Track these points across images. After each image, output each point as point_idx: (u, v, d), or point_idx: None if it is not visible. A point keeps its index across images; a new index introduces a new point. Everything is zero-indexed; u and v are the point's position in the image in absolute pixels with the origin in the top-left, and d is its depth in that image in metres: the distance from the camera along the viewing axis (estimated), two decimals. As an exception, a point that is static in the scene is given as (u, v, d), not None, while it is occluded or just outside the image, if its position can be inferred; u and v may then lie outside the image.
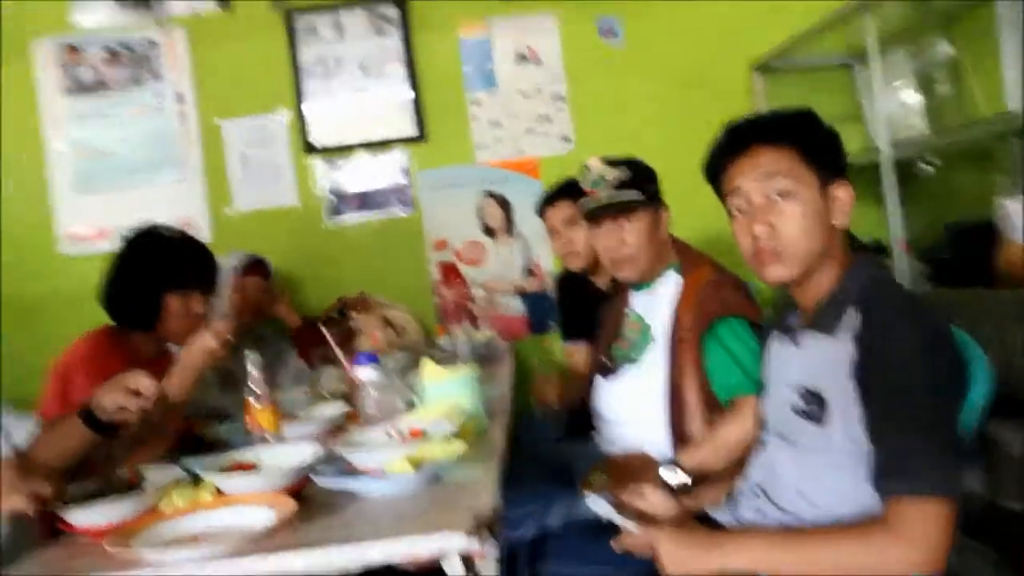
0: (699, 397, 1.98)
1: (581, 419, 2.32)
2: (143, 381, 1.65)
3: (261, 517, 1.34)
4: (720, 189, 1.54)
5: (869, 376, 1.30)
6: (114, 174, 3.52)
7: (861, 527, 1.26)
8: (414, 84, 3.48)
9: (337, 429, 1.92)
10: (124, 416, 1.66)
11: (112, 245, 3.35)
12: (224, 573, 1.19)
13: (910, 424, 1.25)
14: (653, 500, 1.66)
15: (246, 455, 1.63)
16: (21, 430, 1.77)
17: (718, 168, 1.53)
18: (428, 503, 1.35)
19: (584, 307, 2.66)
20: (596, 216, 2.14)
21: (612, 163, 2.14)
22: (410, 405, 1.82)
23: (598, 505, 1.56)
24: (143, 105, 3.51)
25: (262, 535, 1.26)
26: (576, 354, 2.87)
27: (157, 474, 1.59)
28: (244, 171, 3.52)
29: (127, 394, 1.64)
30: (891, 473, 1.24)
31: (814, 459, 1.42)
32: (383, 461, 1.44)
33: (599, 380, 2.24)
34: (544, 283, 3.50)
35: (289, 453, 1.61)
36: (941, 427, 1.26)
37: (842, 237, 1.47)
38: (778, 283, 1.47)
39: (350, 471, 1.49)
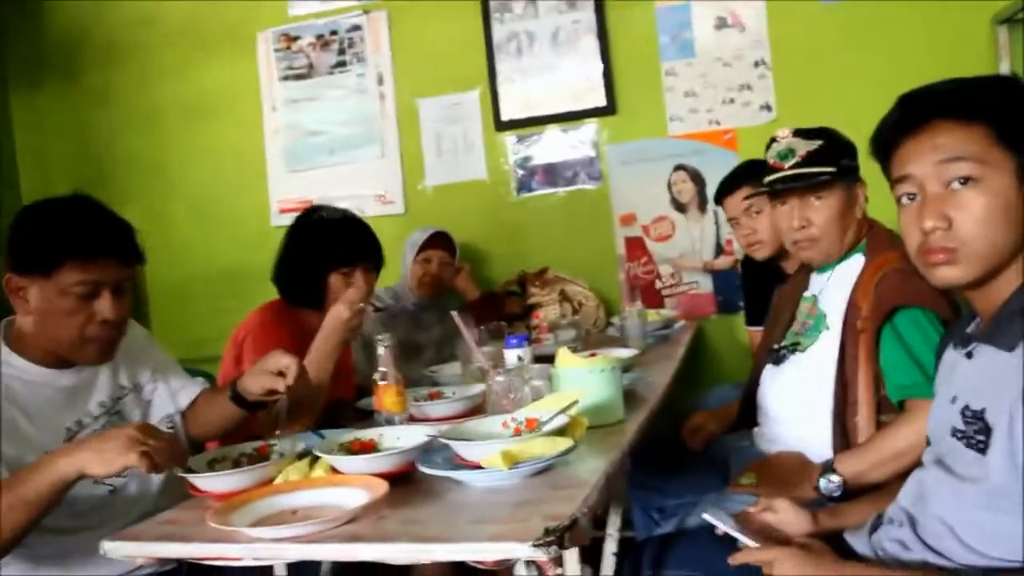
0: (870, 395, 1.76)
1: (751, 409, 2.15)
2: (284, 361, 1.70)
3: (356, 498, 1.34)
4: (890, 173, 1.29)
5: None
6: (320, 152, 3.73)
7: None
8: (606, 57, 3.37)
9: (475, 411, 1.89)
10: (269, 396, 1.73)
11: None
12: (292, 556, 1.20)
13: None
14: (784, 515, 1.49)
15: (367, 433, 1.64)
16: (188, 392, 1.91)
17: (888, 147, 1.27)
18: (514, 504, 1.28)
19: (770, 292, 2.46)
20: (781, 192, 1.95)
21: (803, 133, 1.94)
22: (537, 393, 1.75)
23: (718, 517, 1.44)
24: (347, 87, 3.68)
25: (339, 521, 1.25)
26: (760, 339, 2.68)
27: (287, 445, 1.64)
28: (437, 147, 3.59)
29: (271, 376, 1.71)
30: None
31: (972, 492, 1.18)
32: (481, 454, 1.39)
33: (767, 368, 2.07)
34: (736, 261, 3.28)
35: (408, 435, 1.61)
36: None
37: None
38: (949, 286, 1.23)
39: (457, 459, 1.46)
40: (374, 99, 3.65)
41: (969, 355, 1.25)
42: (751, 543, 1.36)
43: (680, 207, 3.36)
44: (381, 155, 3.65)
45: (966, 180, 1.16)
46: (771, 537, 1.43)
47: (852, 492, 1.65)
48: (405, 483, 1.44)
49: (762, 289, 2.60)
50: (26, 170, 4.12)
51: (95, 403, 1.74)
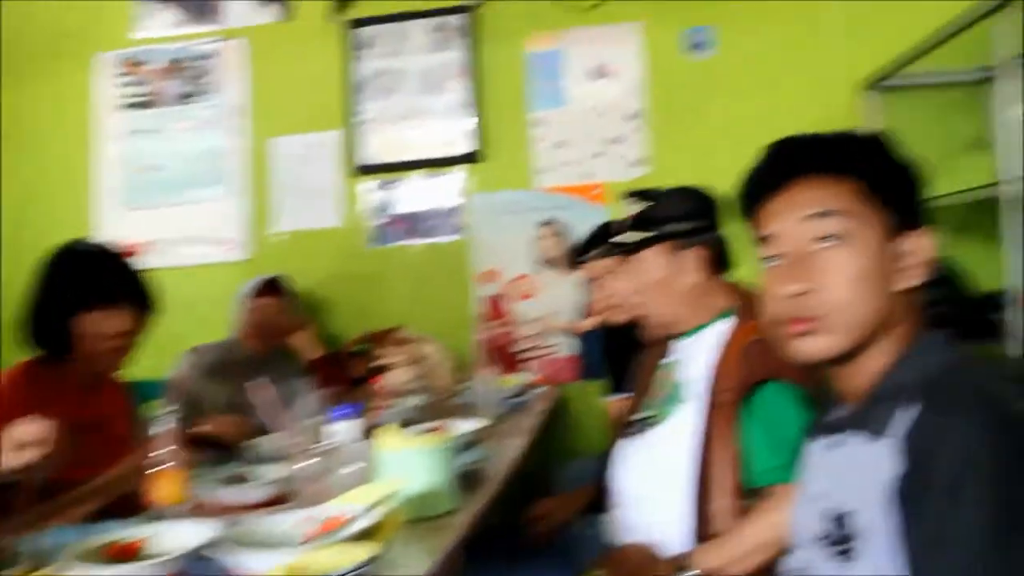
0: (732, 477, 1.57)
1: (606, 491, 1.94)
2: (30, 430, 1.39)
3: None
4: (753, 233, 1.14)
5: (912, 501, 0.91)
6: (161, 189, 3.40)
7: None
8: (475, 101, 3.19)
9: (281, 499, 1.60)
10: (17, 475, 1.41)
11: (156, 260, 3.28)
12: None
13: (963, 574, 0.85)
14: None
15: (134, 533, 1.33)
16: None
17: (753, 204, 1.14)
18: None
19: (632, 360, 2.28)
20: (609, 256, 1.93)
21: (640, 195, 1.80)
22: (353, 480, 1.48)
23: None
24: (196, 120, 3.38)
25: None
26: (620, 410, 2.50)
27: (33, 544, 1.31)
28: (290, 191, 3.31)
29: (14, 449, 1.40)
30: None
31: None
32: (260, 567, 1.11)
33: (621, 445, 1.87)
34: (602, 324, 3.12)
35: (184, 536, 1.30)
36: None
37: (910, 307, 1.05)
38: (815, 361, 1.06)
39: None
40: (225, 134, 3.35)
41: (832, 446, 1.09)
42: None
43: (545, 264, 3.18)
44: (228, 195, 3.34)
45: (834, 238, 1.04)
46: None
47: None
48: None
49: (624, 356, 2.42)
50: None
51: None
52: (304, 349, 2.83)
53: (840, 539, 1.01)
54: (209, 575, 1.17)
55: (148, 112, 3.41)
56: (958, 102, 2.96)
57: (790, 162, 1.10)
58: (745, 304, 1.71)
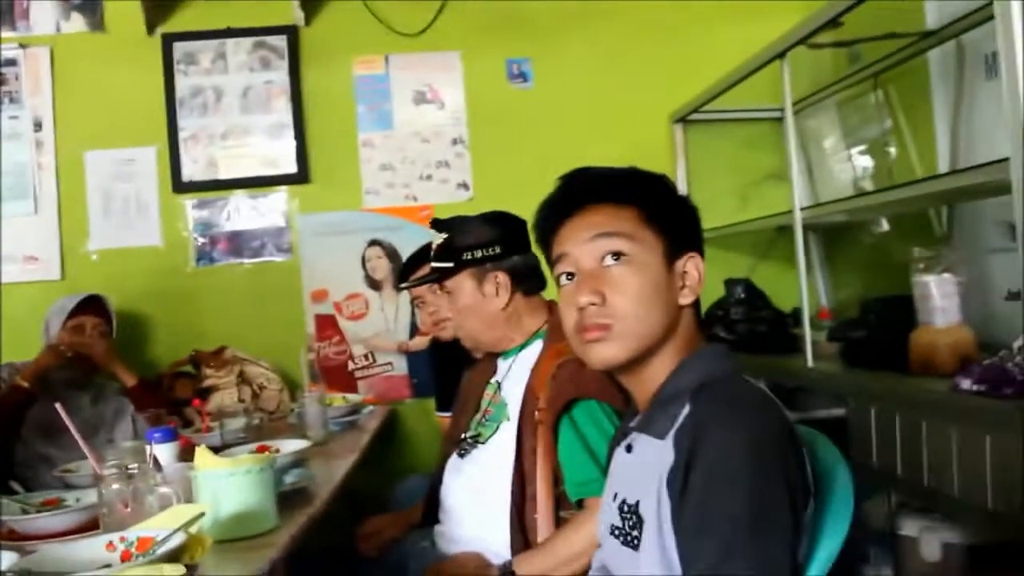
0: (548, 490, 1.68)
1: (436, 505, 1.99)
2: None
3: None
4: (550, 257, 1.26)
5: (680, 488, 1.02)
6: (-44, 202, 3.16)
7: None
8: (300, 122, 3.18)
9: (93, 524, 1.56)
10: None
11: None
12: None
13: (721, 564, 0.96)
14: None
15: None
16: None
17: (548, 230, 1.25)
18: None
19: (460, 377, 2.35)
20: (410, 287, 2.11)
21: (440, 225, 1.94)
22: (166, 502, 1.46)
23: None
24: (-3, 130, 3.18)
25: None
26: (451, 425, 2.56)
27: None
28: (105, 207, 3.18)
29: None
30: None
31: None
32: (63, 591, 1.10)
33: (451, 461, 1.94)
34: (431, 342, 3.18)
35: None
36: (760, 562, 0.96)
37: (689, 322, 1.19)
38: (607, 367, 1.18)
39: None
40: (29, 146, 3.17)
41: (629, 448, 1.20)
42: None
43: (374, 284, 3.21)
44: (35, 211, 3.16)
45: (618, 256, 1.16)
46: None
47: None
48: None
49: (452, 373, 2.48)
50: None
51: None
52: (121, 377, 2.70)
53: (630, 528, 1.11)
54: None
55: (-57, 120, 3.19)
56: (760, 136, 3.22)
57: (580, 191, 1.22)
58: (555, 324, 1.82)
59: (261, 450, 2.08)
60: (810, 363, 2.17)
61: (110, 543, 1.28)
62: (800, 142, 3.10)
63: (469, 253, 1.84)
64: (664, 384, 1.15)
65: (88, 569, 1.22)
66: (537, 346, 1.83)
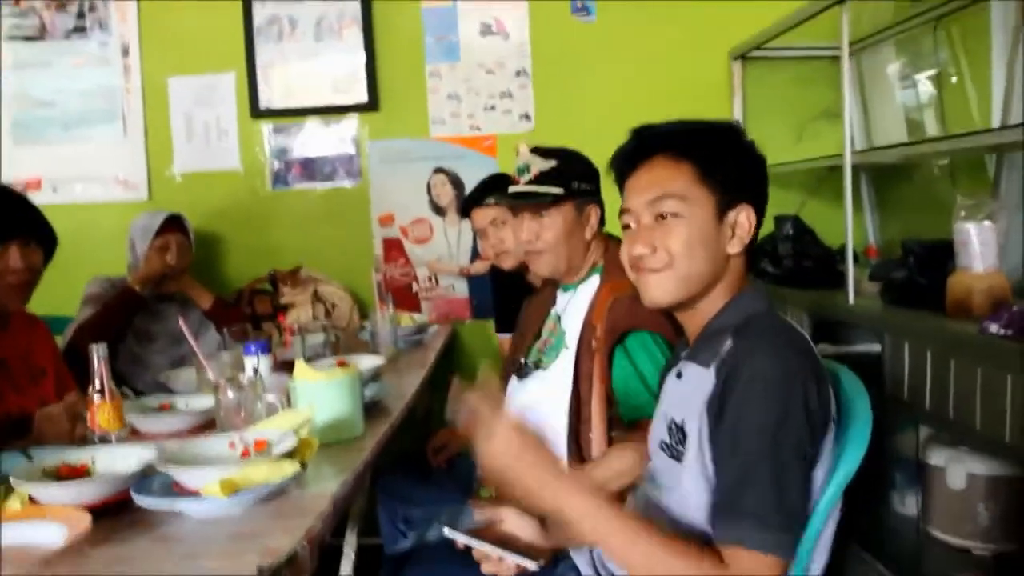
0: (602, 413, 1.85)
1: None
2: None
3: (54, 536, 1.21)
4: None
5: (718, 410, 1.20)
6: (53, 126, 3.38)
7: (699, 551, 1.15)
8: (370, 51, 3.30)
9: (206, 426, 1.79)
10: None
11: (46, 197, 3.31)
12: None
13: (748, 473, 1.14)
14: (511, 523, 1.55)
15: (80, 455, 1.50)
16: None
17: (619, 181, 1.44)
18: (231, 537, 1.22)
19: (519, 301, 2.53)
20: (510, 206, 2.05)
21: (542, 152, 1.99)
22: (272, 409, 1.67)
23: (456, 535, 1.48)
24: (86, 55, 3.36)
25: (28, 566, 1.13)
26: (508, 346, 2.74)
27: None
28: (188, 131, 3.37)
29: None
30: (723, 520, 1.15)
31: (669, 500, 1.30)
32: (200, 482, 1.31)
33: (512, 382, 2.12)
34: (491, 266, 3.34)
35: (125, 457, 1.48)
36: (782, 481, 1.14)
37: (738, 265, 1.35)
38: (659, 305, 1.36)
39: (175, 487, 1.36)
40: (117, 72, 3.36)
41: (679, 375, 1.37)
42: (490, 550, 1.44)
43: (439, 210, 3.37)
44: (124, 134, 3.37)
45: (670, 215, 1.31)
46: (509, 544, 1.49)
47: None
48: (117, 514, 1.32)
49: (511, 297, 2.66)
50: None
51: None
52: (197, 298, 2.91)
53: (676, 444, 1.30)
54: (153, 490, 1.36)
55: (37, 45, 3.37)
56: (816, 73, 3.23)
57: (643, 147, 1.37)
58: (611, 260, 1.98)
59: (340, 364, 2.30)
60: (851, 300, 2.28)
61: (231, 442, 1.50)
62: (857, 81, 3.15)
63: (578, 183, 1.95)
64: (711, 320, 1.32)
65: (217, 463, 1.44)
66: (594, 281, 1.98)
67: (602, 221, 2.01)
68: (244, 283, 3.24)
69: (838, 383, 1.33)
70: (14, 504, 1.34)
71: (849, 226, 2.33)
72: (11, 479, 1.37)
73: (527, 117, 3.31)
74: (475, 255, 3.35)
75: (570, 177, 1.95)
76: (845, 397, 1.32)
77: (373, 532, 2.33)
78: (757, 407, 1.15)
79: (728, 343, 1.24)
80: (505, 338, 2.80)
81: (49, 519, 1.26)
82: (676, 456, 1.28)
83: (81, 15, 3.34)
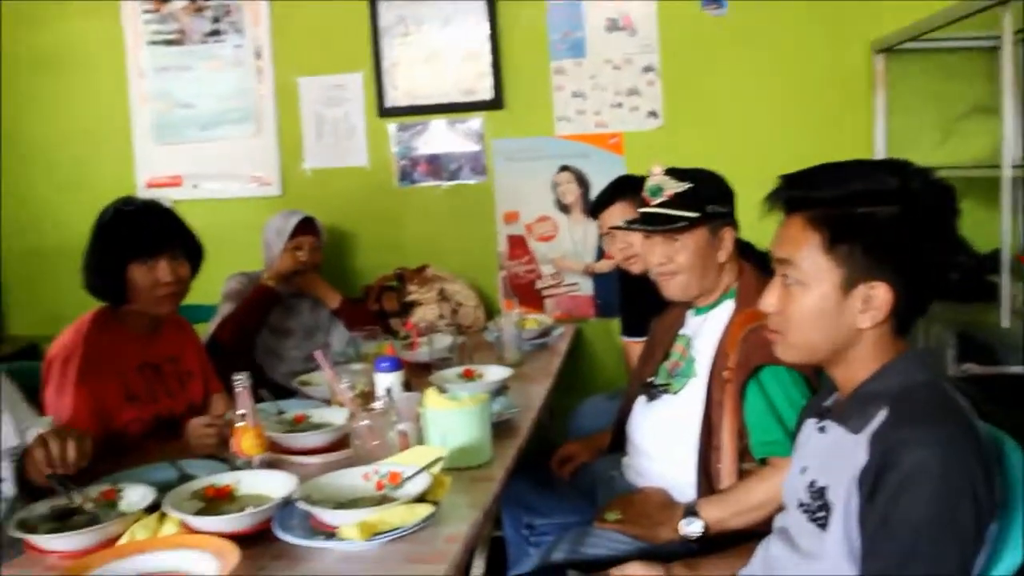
0: (733, 443, 1.80)
1: (622, 435, 2.17)
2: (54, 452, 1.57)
3: (206, 567, 1.28)
4: None
5: (871, 489, 1.12)
6: (191, 126, 3.53)
7: None
8: (495, 49, 3.29)
9: (339, 444, 1.84)
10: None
11: (186, 193, 3.46)
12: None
13: (904, 568, 1.08)
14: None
15: (223, 479, 1.58)
16: (33, 433, 1.76)
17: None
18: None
19: (646, 306, 2.48)
20: (641, 231, 1.99)
21: (676, 174, 1.94)
22: (404, 435, 1.70)
23: None
24: (222, 58, 3.48)
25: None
26: (635, 351, 2.71)
27: (135, 493, 1.56)
28: (317, 130, 3.45)
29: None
30: None
31: (812, 570, 1.25)
32: (339, 522, 1.35)
33: (639, 401, 2.09)
34: (617, 265, 3.30)
35: (266, 482, 1.55)
36: (935, 573, 1.07)
37: (881, 335, 1.23)
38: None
39: (313, 522, 1.41)
40: (251, 74, 3.47)
41: (822, 429, 1.30)
42: None
43: (564, 208, 3.34)
44: (257, 133, 3.48)
45: (792, 279, 1.25)
46: None
47: (711, 537, 1.70)
48: (260, 541, 1.39)
49: (639, 301, 2.61)
50: None
51: None
52: (325, 298, 2.98)
53: (817, 508, 1.23)
54: (293, 525, 1.41)
55: (176, 50, 3.50)
56: (967, 66, 3.01)
57: (786, 201, 1.28)
58: (745, 287, 1.91)
59: (467, 374, 2.33)
60: (1006, 323, 2.14)
61: (366, 474, 1.54)
62: (1018, 75, 2.92)
63: (712, 206, 1.90)
64: (864, 383, 1.23)
65: (353, 494, 1.48)
66: (727, 306, 1.92)
67: (737, 243, 1.95)
68: (371, 277, 3.31)
69: (1002, 458, 1.23)
70: (169, 530, 1.42)
71: (1007, 240, 2.18)
72: (164, 507, 1.45)
73: (654, 114, 3.23)
74: (600, 253, 3.32)
75: (705, 200, 1.89)
76: (1011, 475, 1.22)
77: (495, 525, 2.39)
78: (917, 501, 1.07)
79: (883, 414, 1.16)
80: (631, 342, 2.77)
81: (201, 549, 1.33)
82: (819, 523, 1.22)
83: (217, 19, 3.45)
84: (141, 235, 2.10)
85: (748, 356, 1.75)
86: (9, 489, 1.65)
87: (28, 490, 1.68)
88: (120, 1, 3.51)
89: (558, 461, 2.32)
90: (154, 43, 3.50)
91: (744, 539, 1.62)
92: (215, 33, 3.47)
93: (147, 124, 3.54)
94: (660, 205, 1.90)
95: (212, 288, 2.85)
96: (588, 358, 3.34)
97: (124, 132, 3.56)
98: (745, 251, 2.00)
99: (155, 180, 3.54)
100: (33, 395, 1.96)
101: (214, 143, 3.51)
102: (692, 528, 1.72)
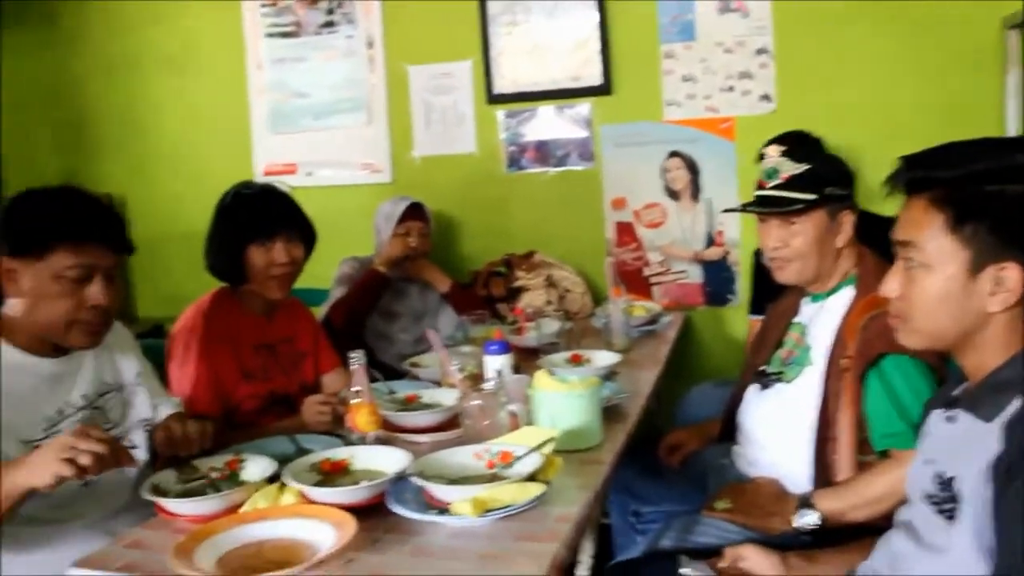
0: (851, 434, 1.74)
1: (733, 424, 2.13)
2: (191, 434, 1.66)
3: (324, 536, 1.32)
4: None
5: (1005, 478, 1.06)
6: (305, 115, 3.63)
7: None
8: (604, 34, 3.26)
9: (450, 423, 1.86)
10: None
11: (300, 181, 3.57)
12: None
13: None
14: (754, 561, 1.49)
15: (339, 453, 1.62)
16: (164, 409, 1.85)
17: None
18: (481, 556, 1.26)
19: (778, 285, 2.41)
20: (756, 214, 1.94)
21: (792, 154, 1.88)
22: (514, 415, 1.71)
23: (696, 569, 1.49)
24: (335, 49, 3.56)
25: (306, 567, 1.23)
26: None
27: (256, 465, 1.62)
28: (427, 117, 3.49)
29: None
30: None
31: (938, 564, 1.19)
32: (453, 497, 1.37)
33: (751, 389, 2.05)
34: (726, 252, 3.24)
35: (380, 458, 1.58)
36: None
37: (1013, 319, 1.17)
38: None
39: (427, 496, 1.44)
40: (363, 63, 3.54)
41: (950, 419, 1.25)
42: None
43: (673, 194, 3.29)
44: (369, 122, 3.56)
45: (915, 263, 1.20)
46: None
47: (826, 530, 1.65)
48: (374, 514, 1.42)
49: (771, 279, 2.55)
50: (5, 115, 4.02)
51: (78, 394, 1.73)
52: (435, 281, 3.03)
53: (945, 500, 1.18)
54: (406, 499, 1.43)
55: (291, 42, 3.61)
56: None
57: (902, 180, 1.23)
58: (865, 272, 1.84)
59: (575, 359, 2.32)
60: None
61: (477, 453, 1.55)
62: None
63: (832, 188, 1.83)
64: (996, 370, 1.17)
65: (464, 472, 1.50)
66: (846, 293, 1.85)
67: (857, 227, 1.87)
68: (478, 263, 3.34)
69: None
70: (287, 499, 1.47)
71: None
72: (283, 477, 1.50)
73: (767, 98, 3.14)
74: (709, 241, 3.26)
75: (823, 182, 1.83)
76: None
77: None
78: None
79: (1018, 402, 1.10)
80: (756, 319, 2.72)
81: (320, 519, 1.37)
82: (947, 515, 1.17)
83: (331, 11, 3.54)
84: (259, 217, 2.18)
85: (869, 344, 1.68)
86: (142, 455, 1.74)
87: (157, 459, 1.78)
88: (240, -3, 3.64)
89: (666, 448, 2.29)
90: (271, 36, 3.62)
91: (859, 533, 1.56)
92: (329, 24, 3.55)
93: (264, 114, 3.67)
94: (776, 187, 1.85)
95: (325, 272, 2.94)
96: (696, 346, 3.29)
97: (243, 123, 3.70)
98: (869, 232, 1.92)
99: (271, 168, 3.65)
100: (159, 371, 2.06)
101: (327, 131, 3.60)
102: (807, 520, 1.66)
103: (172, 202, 3.78)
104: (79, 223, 1.63)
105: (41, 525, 1.61)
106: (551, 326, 2.67)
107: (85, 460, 1.35)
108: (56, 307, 1.61)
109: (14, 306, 1.63)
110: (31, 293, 1.61)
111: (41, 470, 1.36)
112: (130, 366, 1.86)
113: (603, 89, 3.29)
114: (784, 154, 1.85)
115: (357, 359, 1.71)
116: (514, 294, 3.12)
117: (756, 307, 2.86)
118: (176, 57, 3.75)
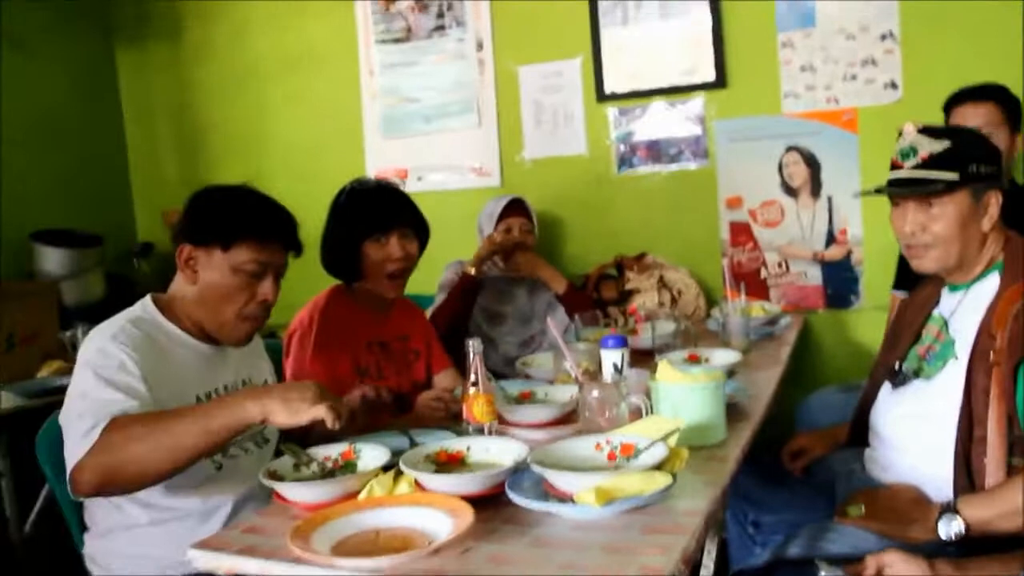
0: (1001, 435, 1.59)
1: (863, 427, 2.00)
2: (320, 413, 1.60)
3: (441, 524, 1.28)
4: None
5: None
6: (416, 120, 3.66)
7: None
8: (717, 25, 3.16)
9: (566, 419, 1.81)
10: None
11: (411, 186, 3.59)
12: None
13: None
14: (898, 568, 1.38)
15: (455, 444, 1.58)
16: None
17: None
18: (606, 549, 1.20)
19: None
20: (892, 195, 1.79)
21: (931, 132, 1.73)
22: (634, 409, 1.64)
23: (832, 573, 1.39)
24: (445, 52, 3.58)
25: (424, 554, 1.19)
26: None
27: (372, 453, 1.60)
28: (536, 118, 3.47)
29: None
30: None
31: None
32: (575, 487, 1.31)
33: (885, 388, 1.91)
34: (849, 251, 3.08)
35: (497, 448, 1.54)
36: None
37: None
38: None
39: (547, 486, 1.38)
40: (473, 65, 3.55)
41: None
42: None
43: (791, 191, 3.15)
44: (478, 124, 3.56)
45: None
46: None
47: (973, 540, 1.51)
48: (491, 505, 1.37)
49: None
50: (131, 126, 4.21)
51: (222, 383, 1.79)
52: (551, 281, 2.97)
53: None
54: (525, 489, 1.38)
55: (403, 46, 3.65)
56: None
57: None
58: (1012, 257, 1.69)
59: (692, 358, 2.24)
60: None
61: (598, 444, 1.49)
62: None
63: (976, 166, 1.69)
64: None
65: (584, 464, 1.44)
66: (992, 280, 1.71)
67: (1003, 210, 1.73)
68: (589, 266, 3.28)
69: None
70: (403, 488, 1.44)
71: None
72: (400, 465, 1.47)
73: (893, 86, 2.98)
74: (830, 239, 3.11)
75: (966, 160, 1.68)
76: None
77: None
78: None
79: None
80: (898, 295, 2.60)
81: (436, 508, 1.33)
82: None
83: (440, 15, 3.56)
84: (374, 212, 2.19)
85: (1022, 334, 1.54)
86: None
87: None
88: (354, 2, 3.69)
89: (789, 454, 2.16)
90: (383, 41, 3.67)
91: (1010, 544, 1.43)
92: (439, 28, 3.57)
93: (376, 119, 3.72)
94: (914, 167, 1.72)
95: (434, 278, 2.93)
96: (815, 350, 3.14)
97: (356, 127, 3.75)
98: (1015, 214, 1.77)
99: (382, 173, 3.69)
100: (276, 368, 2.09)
101: (437, 135, 3.62)
102: (951, 528, 1.52)
103: (284, 202, 3.84)
104: (264, 221, 1.73)
105: (163, 509, 1.66)
106: (667, 327, 2.58)
107: (344, 411, 1.46)
108: (229, 298, 1.69)
109: (184, 290, 1.71)
110: (207, 281, 1.69)
111: (294, 407, 1.43)
112: (265, 367, 1.95)
113: (717, 83, 3.19)
114: (922, 131, 1.72)
115: (474, 347, 1.67)
116: (625, 297, 3.05)
117: (900, 282, 2.68)
118: (293, 60, 3.86)
